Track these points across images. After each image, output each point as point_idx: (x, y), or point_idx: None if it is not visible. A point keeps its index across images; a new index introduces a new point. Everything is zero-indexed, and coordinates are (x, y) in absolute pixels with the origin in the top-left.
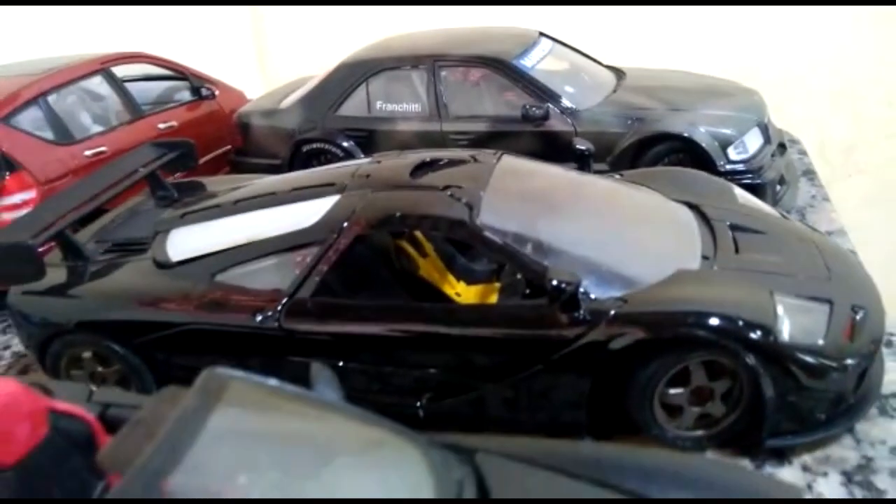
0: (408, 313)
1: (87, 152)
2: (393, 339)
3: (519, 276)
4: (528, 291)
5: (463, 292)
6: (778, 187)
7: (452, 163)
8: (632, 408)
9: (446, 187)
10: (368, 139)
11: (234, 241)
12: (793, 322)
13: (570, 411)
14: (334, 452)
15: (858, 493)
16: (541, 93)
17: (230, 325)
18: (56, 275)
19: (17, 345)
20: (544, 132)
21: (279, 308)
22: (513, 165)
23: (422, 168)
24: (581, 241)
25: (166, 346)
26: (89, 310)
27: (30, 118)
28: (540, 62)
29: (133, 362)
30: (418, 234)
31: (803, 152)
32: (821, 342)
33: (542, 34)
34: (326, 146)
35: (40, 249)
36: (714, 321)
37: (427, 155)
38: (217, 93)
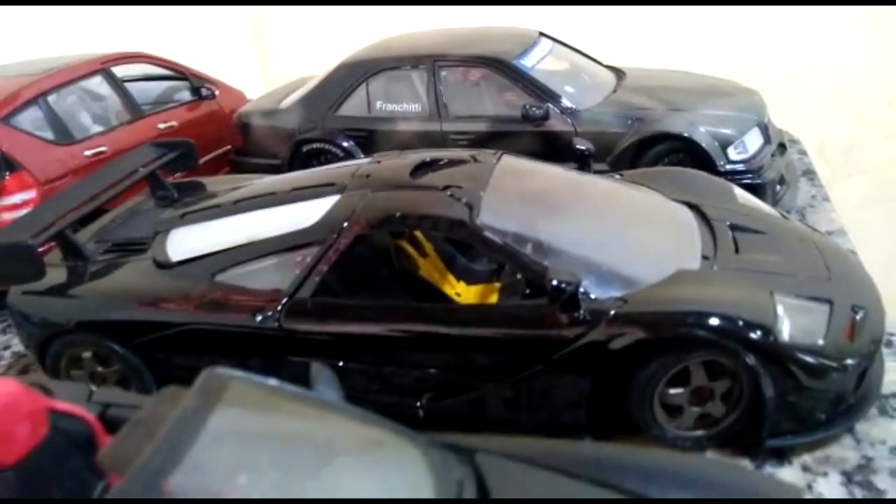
0: (408, 313)
1: (87, 152)
2: (393, 339)
3: (519, 276)
4: (527, 291)
5: (463, 292)
6: (778, 187)
7: (452, 163)
8: (632, 408)
9: (446, 187)
10: (368, 139)
11: (234, 241)
12: (793, 322)
13: (570, 411)
14: (334, 452)
15: (858, 493)
16: (541, 93)
17: (230, 325)
18: (56, 275)
19: (17, 345)
20: (544, 132)
21: (279, 308)
22: (513, 165)
23: (422, 168)
24: (581, 241)
25: (166, 346)
26: (89, 310)
27: (30, 118)
28: (540, 62)
29: (133, 362)
30: (418, 234)
31: (803, 152)
32: (821, 342)
33: (542, 34)
34: (326, 146)
35: (40, 249)
36: (714, 321)
37: (427, 155)
38: (217, 93)
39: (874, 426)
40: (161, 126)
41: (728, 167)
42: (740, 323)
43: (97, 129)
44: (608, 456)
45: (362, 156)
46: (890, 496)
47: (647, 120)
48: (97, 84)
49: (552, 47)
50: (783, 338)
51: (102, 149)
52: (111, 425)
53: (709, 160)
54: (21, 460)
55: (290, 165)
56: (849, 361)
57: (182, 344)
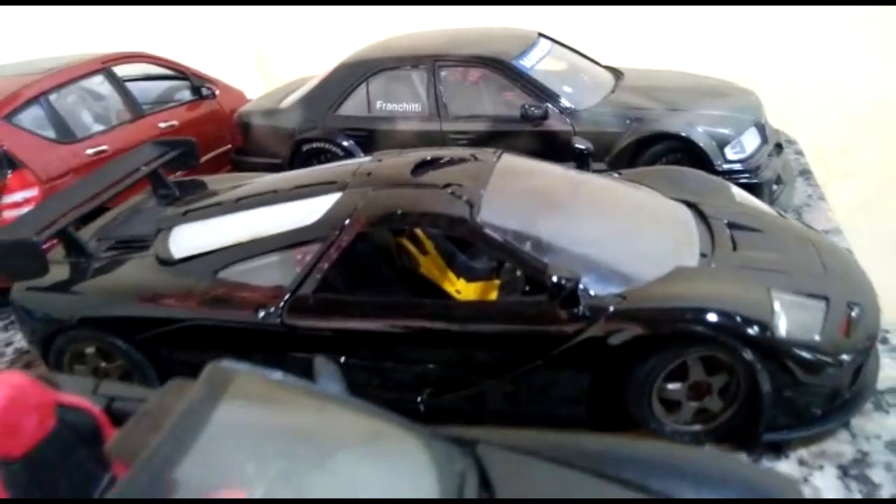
0: (410, 310)
1: (89, 151)
2: (394, 336)
3: (518, 273)
4: (527, 289)
5: (463, 289)
6: (774, 186)
7: (453, 161)
8: (630, 403)
9: (447, 185)
10: (368, 139)
11: (236, 239)
12: (789, 318)
13: (569, 406)
14: (338, 444)
15: (854, 487)
16: (540, 93)
17: (233, 321)
18: (59, 271)
19: (19, 341)
20: (543, 132)
21: (282, 304)
22: (513, 164)
23: (423, 166)
24: (580, 238)
25: (169, 342)
26: (92, 306)
27: (32, 117)
28: (539, 62)
29: (136, 358)
30: (419, 231)
31: (800, 152)
32: (817, 338)
33: (541, 35)
34: (326, 145)
35: (43, 246)
36: (712, 317)
37: (428, 153)
38: (217, 92)
39: (869, 421)
40: (162, 125)
41: (725, 167)
42: (738, 319)
43: (98, 128)
44: (608, 447)
45: (362, 155)
46: (885, 490)
47: (645, 120)
48: (98, 83)
49: (551, 48)
50: (780, 334)
51: (103, 148)
52: (117, 418)
53: (706, 160)
54: (28, 452)
55: (291, 165)
56: (844, 357)
57: (185, 340)
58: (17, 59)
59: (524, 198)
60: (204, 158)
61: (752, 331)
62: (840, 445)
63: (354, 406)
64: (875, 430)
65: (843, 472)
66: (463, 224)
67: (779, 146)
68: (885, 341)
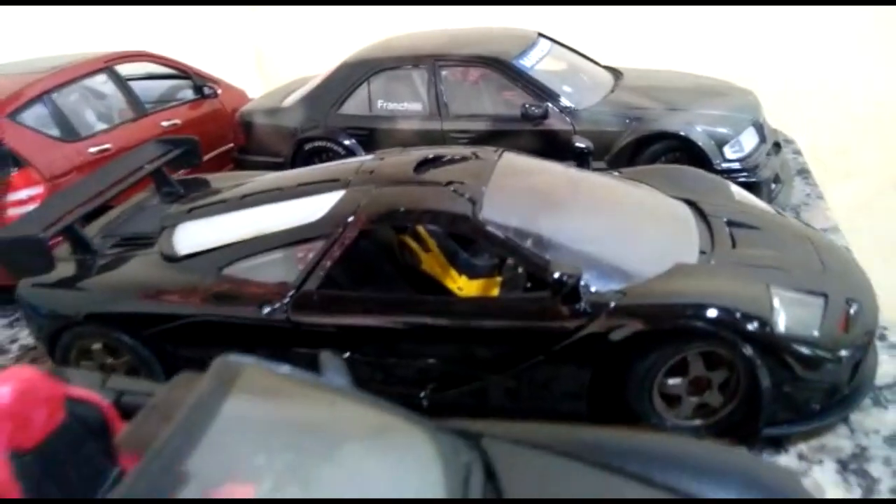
0: (414, 306)
1: (92, 149)
2: (398, 332)
3: (520, 270)
4: (528, 286)
5: (465, 286)
6: (773, 185)
7: (455, 159)
8: (631, 398)
9: (449, 183)
10: (370, 138)
11: (241, 235)
12: (789, 314)
13: (570, 401)
14: (345, 436)
15: (853, 481)
16: (540, 92)
17: (237, 317)
18: (65, 268)
19: (24, 338)
20: (543, 131)
21: (286, 300)
22: (514, 162)
23: (425, 164)
24: (581, 235)
25: (175, 338)
26: (98, 302)
27: (36, 115)
28: (539, 62)
29: (142, 353)
30: (421, 229)
31: (797, 152)
32: (816, 334)
33: (540, 35)
34: (328, 144)
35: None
36: (712, 312)
37: (430, 152)
38: (219, 91)
39: (868, 416)
40: (164, 124)
41: (724, 166)
42: (737, 314)
43: (101, 126)
44: (610, 439)
45: (363, 154)
46: (884, 484)
47: (644, 119)
48: (101, 82)
49: (551, 48)
50: (779, 329)
51: (107, 146)
52: (125, 412)
53: (705, 159)
54: (39, 445)
55: (292, 163)
56: (843, 353)
57: (190, 335)
58: (21, 59)
59: (525, 195)
60: (206, 157)
61: (752, 326)
62: (839, 440)
63: (361, 399)
64: (873, 425)
65: (843, 466)
66: (465, 221)
67: (777, 145)
68: (883, 338)
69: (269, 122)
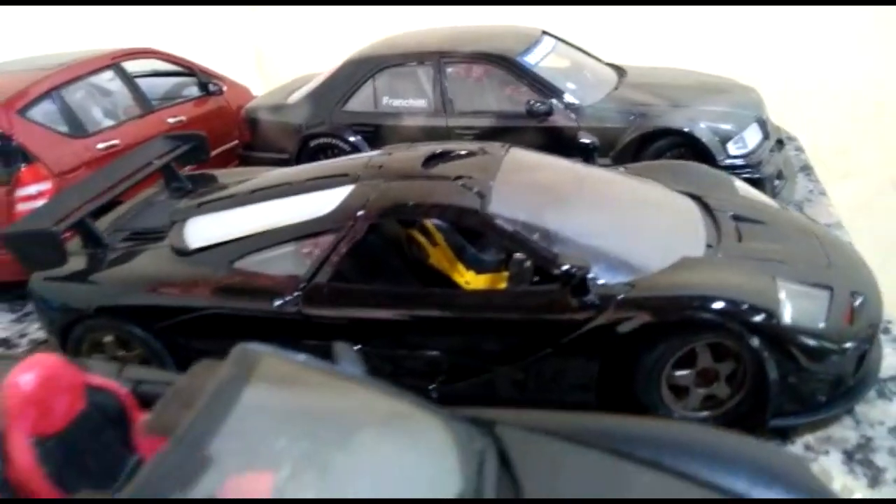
0: (423, 299)
1: (100, 145)
2: (408, 324)
3: (526, 265)
4: (536, 279)
5: (472, 281)
6: (776, 181)
7: (462, 154)
8: (639, 390)
9: (457, 177)
10: (375, 134)
11: (251, 229)
12: (795, 306)
13: (579, 393)
14: (361, 423)
15: (859, 471)
16: (544, 89)
17: (249, 309)
18: (76, 262)
19: (34, 332)
20: (548, 127)
21: (297, 293)
22: (521, 157)
23: (433, 159)
24: (588, 229)
25: (186, 331)
26: (109, 295)
27: (44, 111)
28: (543, 59)
29: (154, 346)
30: (428, 223)
31: (800, 149)
32: (822, 326)
33: (544, 32)
34: (334, 141)
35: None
36: (719, 304)
37: (438, 147)
38: (225, 88)
39: (873, 408)
40: (170, 120)
41: (728, 162)
42: (744, 306)
43: (109, 122)
44: (621, 426)
45: (369, 150)
46: (889, 473)
47: (648, 116)
48: (108, 79)
49: (555, 45)
50: (786, 321)
51: (114, 142)
52: (143, 400)
53: (709, 155)
54: (60, 432)
55: (298, 160)
56: (848, 345)
57: (201, 328)
58: (28, 56)
59: (533, 190)
60: (212, 154)
61: (759, 318)
62: (845, 431)
63: (376, 387)
64: (879, 416)
65: (848, 456)
66: (473, 215)
67: (780, 142)
68: (887, 331)
69: (274, 119)
